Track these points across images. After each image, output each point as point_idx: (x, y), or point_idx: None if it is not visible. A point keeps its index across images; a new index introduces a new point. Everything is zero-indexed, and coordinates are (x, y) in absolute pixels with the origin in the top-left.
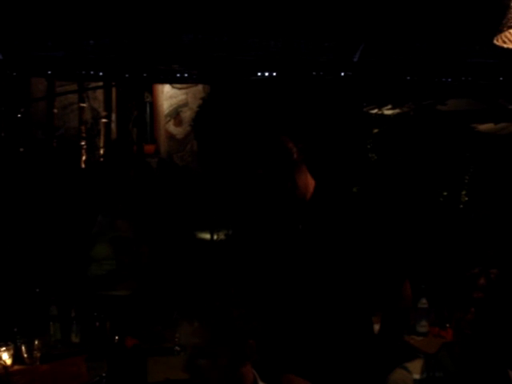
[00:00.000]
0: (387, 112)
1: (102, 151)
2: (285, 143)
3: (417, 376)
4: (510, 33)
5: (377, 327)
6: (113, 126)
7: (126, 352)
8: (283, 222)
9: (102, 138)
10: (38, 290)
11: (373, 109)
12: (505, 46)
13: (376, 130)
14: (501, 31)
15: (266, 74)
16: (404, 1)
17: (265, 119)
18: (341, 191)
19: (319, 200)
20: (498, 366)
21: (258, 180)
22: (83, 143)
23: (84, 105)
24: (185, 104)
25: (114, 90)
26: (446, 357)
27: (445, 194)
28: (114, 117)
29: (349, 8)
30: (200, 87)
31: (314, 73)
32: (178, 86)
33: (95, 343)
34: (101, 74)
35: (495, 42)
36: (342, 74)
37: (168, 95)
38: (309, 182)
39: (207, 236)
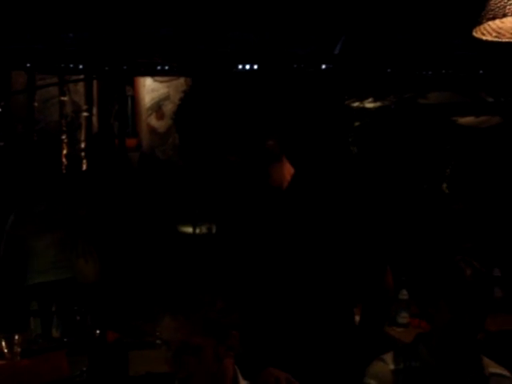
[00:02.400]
0: (368, 105)
1: (83, 145)
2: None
3: (393, 367)
4: (488, 25)
5: (357, 318)
6: (94, 119)
7: (107, 346)
8: (259, 211)
9: (83, 131)
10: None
11: (354, 102)
12: (484, 38)
13: (357, 123)
14: (480, 23)
15: (247, 66)
16: None
17: (246, 112)
18: (319, 179)
19: (296, 189)
20: (473, 353)
21: (229, 166)
22: (64, 137)
23: (65, 98)
24: (166, 97)
25: (95, 83)
26: (423, 347)
27: (425, 186)
28: (95, 110)
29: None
30: (182, 80)
31: (294, 65)
32: (160, 79)
33: (76, 338)
34: (81, 67)
35: (474, 34)
36: (323, 66)
37: (149, 88)
38: (286, 172)
39: (189, 229)
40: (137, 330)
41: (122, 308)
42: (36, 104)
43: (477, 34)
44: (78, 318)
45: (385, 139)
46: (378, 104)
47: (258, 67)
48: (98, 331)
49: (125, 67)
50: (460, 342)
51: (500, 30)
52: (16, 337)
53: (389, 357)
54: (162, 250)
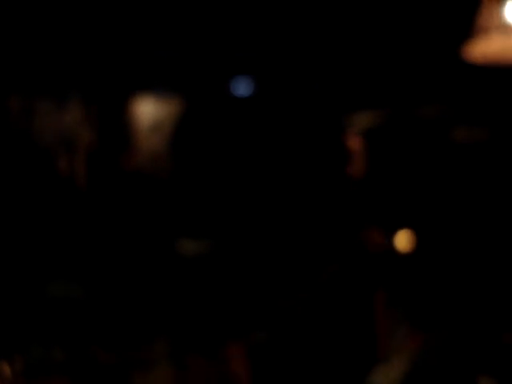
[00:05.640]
0: (363, 120)
1: (81, 166)
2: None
3: (398, 371)
4: (475, 47)
5: None
6: (92, 139)
7: (108, 367)
8: None
9: (81, 152)
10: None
11: (349, 117)
12: (471, 59)
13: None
14: (466, 45)
15: (242, 88)
16: (377, 12)
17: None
18: None
19: None
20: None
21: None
22: (62, 158)
23: (63, 119)
24: (165, 117)
25: (92, 103)
26: (429, 352)
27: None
28: (93, 131)
29: (322, 16)
30: (178, 100)
31: (290, 84)
32: (157, 99)
33: (79, 360)
34: (78, 89)
35: (461, 55)
36: (318, 83)
37: (148, 108)
38: None
39: (188, 246)
40: (136, 350)
41: (121, 329)
42: (36, 124)
43: (464, 55)
44: (79, 339)
45: (380, 154)
46: (373, 119)
47: (253, 88)
48: (94, 351)
49: (122, 89)
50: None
51: (487, 52)
52: (17, 360)
53: (395, 360)
54: (161, 270)
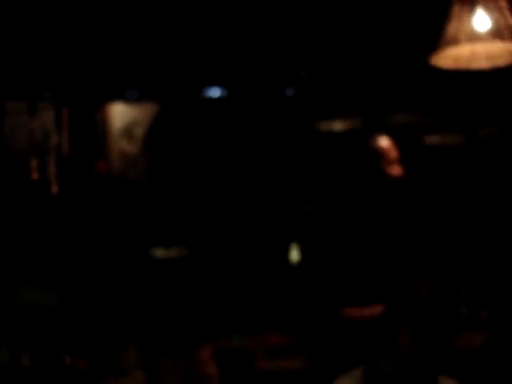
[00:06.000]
0: (336, 127)
1: (53, 170)
2: None
3: (359, 382)
4: (445, 53)
5: None
6: (64, 143)
7: (79, 374)
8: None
9: (52, 156)
10: None
11: (322, 124)
12: (441, 65)
13: (326, 145)
14: (436, 51)
15: (216, 92)
16: (347, 20)
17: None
18: None
19: None
20: (433, 373)
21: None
22: (33, 162)
23: (34, 123)
24: (137, 121)
25: (64, 108)
26: (388, 364)
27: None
28: (65, 135)
29: (294, 26)
30: (152, 104)
31: (261, 90)
32: (128, 102)
33: (47, 366)
34: (50, 93)
35: (431, 61)
36: (289, 90)
37: (120, 112)
38: None
39: (161, 253)
40: (107, 357)
41: (92, 335)
42: (5, 129)
43: (433, 61)
44: (49, 346)
45: (354, 160)
46: (345, 125)
47: (226, 93)
48: (68, 359)
49: (93, 93)
50: (424, 362)
51: (456, 58)
52: None
53: (357, 373)
54: (134, 275)
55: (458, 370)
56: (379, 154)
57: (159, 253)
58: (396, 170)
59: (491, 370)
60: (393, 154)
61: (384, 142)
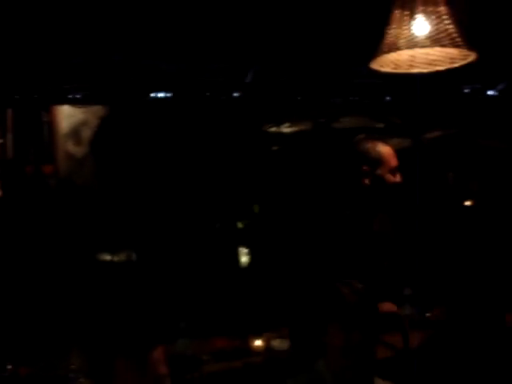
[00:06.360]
0: (285, 130)
1: None
2: None
3: None
4: (386, 57)
5: None
6: (9, 146)
7: (20, 382)
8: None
9: None
10: None
11: (271, 127)
12: (382, 69)
13: (275, 148)
14: (377, 56)
15: (160, 95)
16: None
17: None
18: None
19: None
20: (368, 373)
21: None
22: None
23: None
24: (84, 123)
25: (9, 110)
26: (325, 371)
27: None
28: (9, 137)
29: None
30: (99, 106)
31: (207, 94)
32: (75, 104)
33: None
34: None
35: (372, 66)
36: (235, 94)
37: (66, 114)
38: None
39: (107, 257)
40: (49, 364)
41: (34, 342)
42: None
43: (375, 65)
44: None
45: (303, 163)
46: (294, 129)
47: (172, 96)
48: (9, 366)
49: (36, 96)
50: (355, 362)
51: (397, 62)
52: None
53: (301, 378)
54: (78, 280)
55: (394, 371)
56: (381, 160)
57: (106, 257)
58: (396, 178)
59: (426, 370)
60: (394, 161)
61: (385, 148)
